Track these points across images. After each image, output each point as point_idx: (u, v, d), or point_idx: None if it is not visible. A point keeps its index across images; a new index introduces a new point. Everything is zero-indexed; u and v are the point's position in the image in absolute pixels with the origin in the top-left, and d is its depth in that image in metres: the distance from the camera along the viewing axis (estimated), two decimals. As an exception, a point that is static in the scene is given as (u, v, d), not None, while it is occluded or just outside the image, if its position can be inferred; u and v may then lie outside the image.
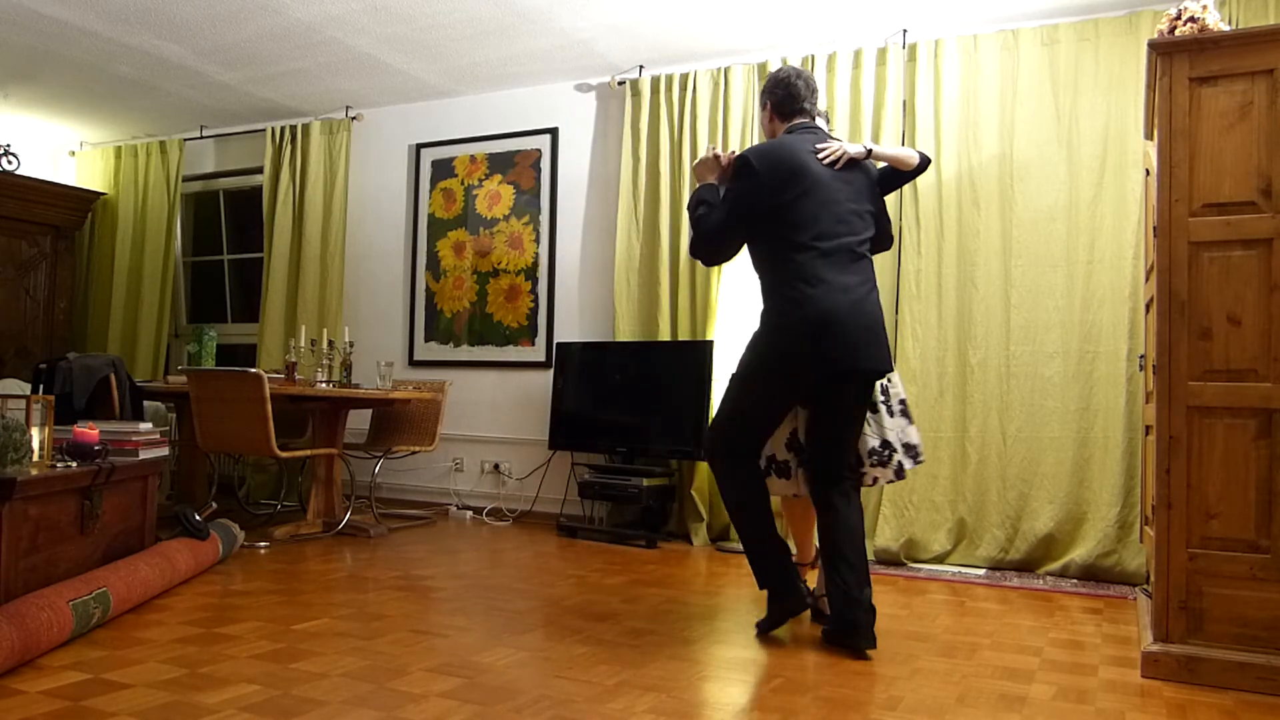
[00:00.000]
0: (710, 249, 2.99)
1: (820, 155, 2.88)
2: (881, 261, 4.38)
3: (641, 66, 5.11)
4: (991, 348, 4.26)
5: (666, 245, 4.94)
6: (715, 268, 4.77)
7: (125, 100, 5.96)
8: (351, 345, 5.06)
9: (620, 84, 5.20)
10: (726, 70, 4.85)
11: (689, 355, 4.71)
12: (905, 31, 4.49)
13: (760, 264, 2.96)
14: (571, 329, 5.35)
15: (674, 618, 3.13)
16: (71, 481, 2.97)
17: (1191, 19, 2.65)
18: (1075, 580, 3.94)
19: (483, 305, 5.64)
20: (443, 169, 5.81)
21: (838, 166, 2.89)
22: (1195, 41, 2.59)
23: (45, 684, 2.26)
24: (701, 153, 4.86)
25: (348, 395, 4.55)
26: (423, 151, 5.88)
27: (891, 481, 3.08)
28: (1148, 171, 3.27)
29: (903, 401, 3.09)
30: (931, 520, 4.27)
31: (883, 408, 3.03)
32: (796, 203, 2.84)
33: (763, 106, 3.10)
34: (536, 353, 5.46)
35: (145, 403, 4.97)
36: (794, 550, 3.28)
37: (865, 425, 2.99)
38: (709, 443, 3.05)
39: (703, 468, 4.70)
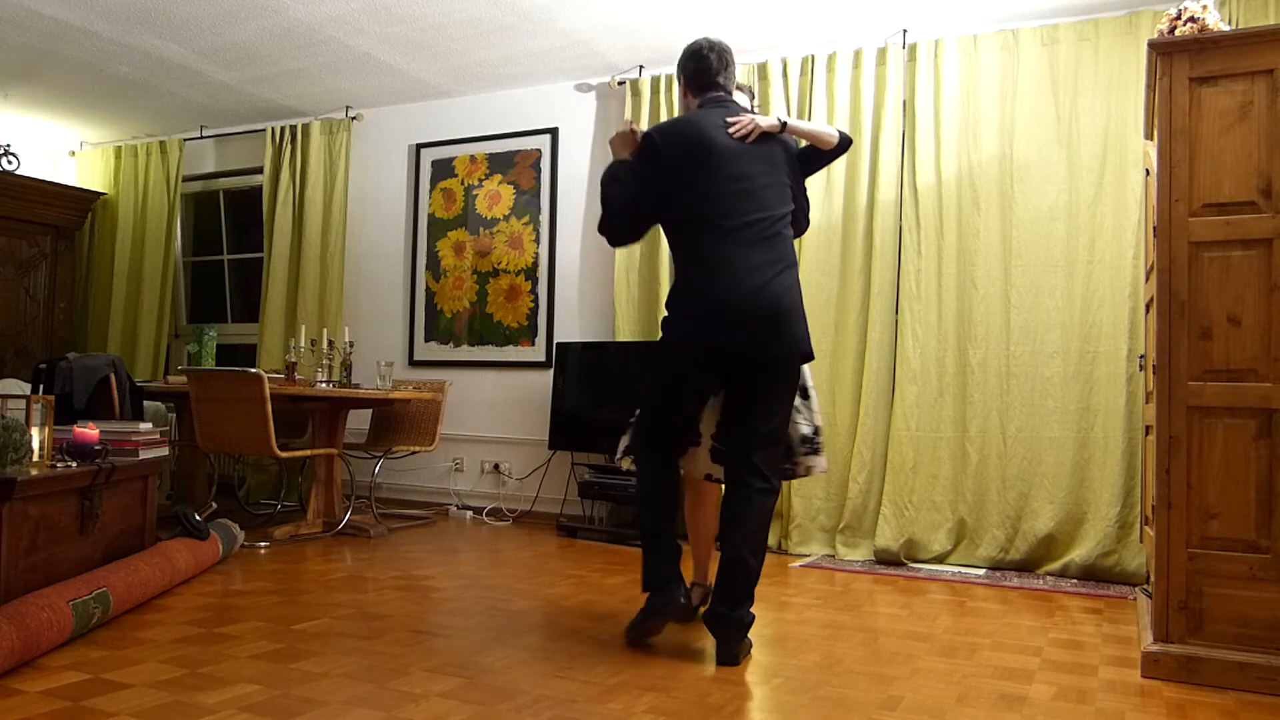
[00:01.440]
0: (613, 228, 2.87)
1: (731, 129, 2.75)
2: (882, 261, 4.43)
3: (641, 66, 5.11)
4: (991, 348, 4.26)
5: (666, 245, 4.93)
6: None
7: (125, 100, 5.96)
8: (351, 345, 5.06)
9: (620, 84, 5.20)
10: (726, 70, 4.84)
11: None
12: (905, 31, 4.49)
13: (671, 244, 2.86)
14: (571, 329, 5.36)
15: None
16: (71, 481, 2.97)
17: (1191, 19, 2.65)
18: (1075, 580, 3.94)
19: (483, 305, 5.64)
20: (443, 169, 5.81)
21: (749, 140, 2.75)
22: (1195, 41, 2.59)
23: (45, 684, 2.26)
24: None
25: (348, 395, 4.54)
26: (423, 151, 5.88)
27: (824, 471, 2.97)
28: (1148, 171, 3.27)
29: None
30: (931, 520, 4.27)
31: (813, 393, 2.92)
32: (701, 180, 2.72)
33: (678, 81, 2.97)
34: (536, 353, 5.46)
35: (145, 403, 4.97)
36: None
37: (796, 412, 2.86)
38: (630, 434, 2.95)
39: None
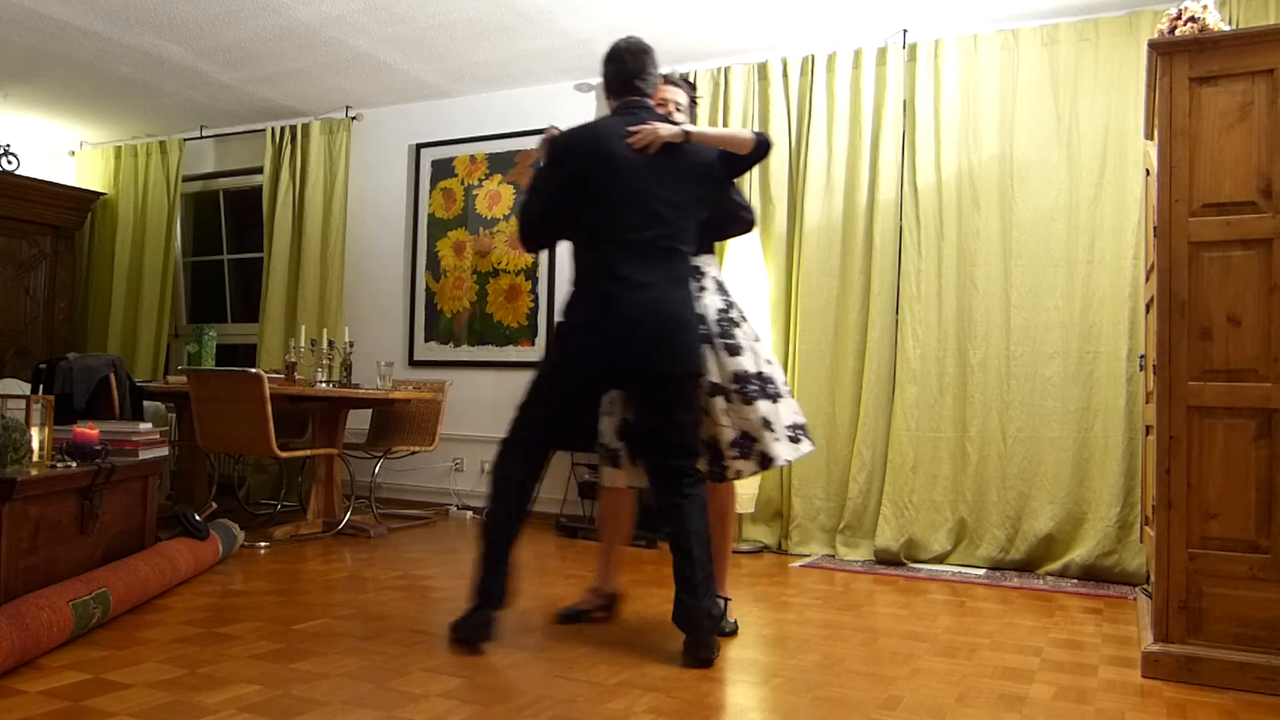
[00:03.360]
0: (523, 236, 2.85)
1: (631, 140, 2.68)
2: (882, 261, 4.43)
3: (692, 76, 5.10)
4: (991, 348, 4.26)
5: (666, 245, 4.93)
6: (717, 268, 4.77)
7: (125, 100, 5.96)
8: (351, 345, 5.05)
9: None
10: (726, 70, 4.85)
11: (689, 355, 4.70)
12: (905, 31, 4.49)
13: (573, 255, 2.81)
14: (571, 329, 5.35)
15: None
16: (71, 481, 2.96)
17: (1191, 19, 2.65)
18: (1075, 580, 3.94)
19: (483, 305, 5.64)
20: (443, 169, 5.81)
21: (649, 151, 2.68)
22: (1195, 41, 2.58)
23: (45, 684, 2.26)
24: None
25: (348, 395, 4.54)
26: (423, 151, 5.88)
27: (756, 472, 2.88)
28: (1148, 171, 3.27)
29: (762, 382, 2.88)
30: (931, 520, 4.27)
31: (736, 397, 2.84)
32: (599, 193, 2.68)
33: (603, 85, 2.90)
34: (536, 353, 5.45)
35: (145, 403, 4.97)
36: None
37: (723, 417, 2.82)
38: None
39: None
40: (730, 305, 2.97)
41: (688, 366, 2.72)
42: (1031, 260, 4.21)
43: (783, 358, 4.65)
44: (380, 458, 5.16)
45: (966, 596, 3.63)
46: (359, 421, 5.40)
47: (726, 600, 2.92)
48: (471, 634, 2.67)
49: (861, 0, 4.27)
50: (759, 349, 2.93)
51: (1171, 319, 2.59)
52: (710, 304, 2.92)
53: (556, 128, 2.88)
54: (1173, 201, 2.59)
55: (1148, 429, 3.22)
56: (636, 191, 2.68)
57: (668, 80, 3.03)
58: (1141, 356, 3.58)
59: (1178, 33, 2.65)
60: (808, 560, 4.34)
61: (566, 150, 2.78)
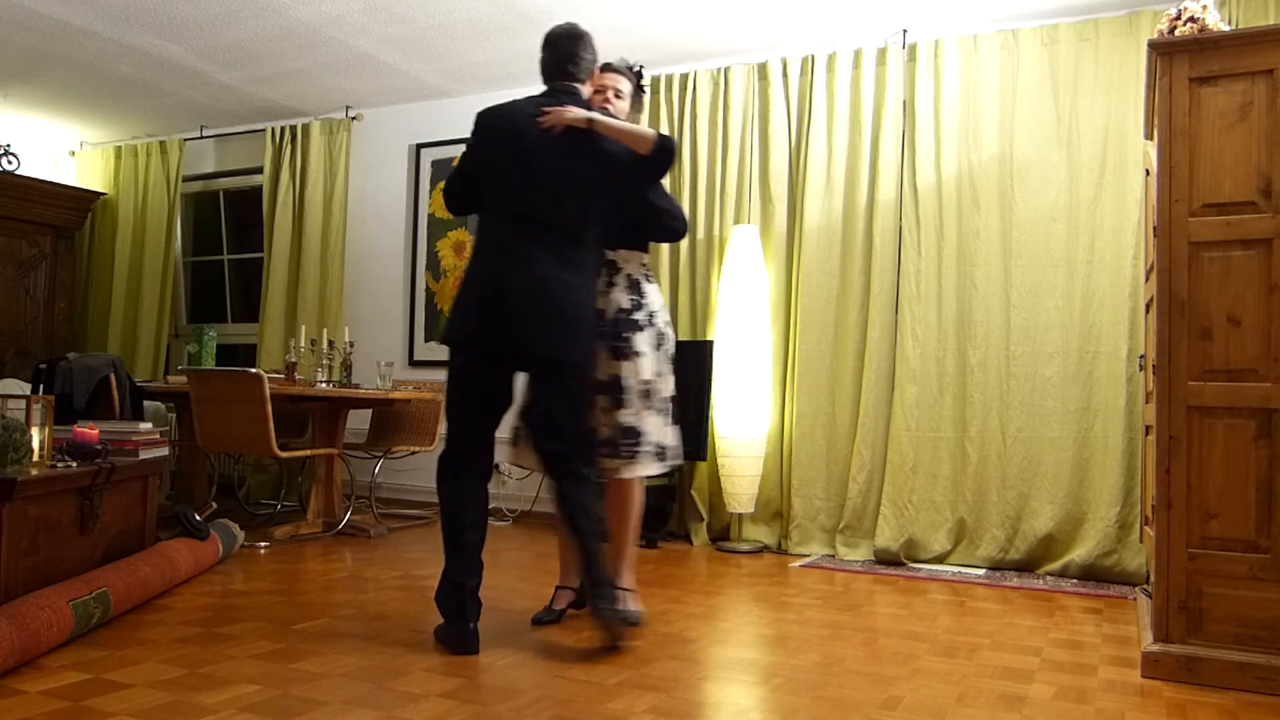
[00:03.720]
0: (445, 198, 2.92)
1: (540, 120, 2.70)
2: (882, 261, 4.43)
3: (642, 66, 5.09)
4: (991, 348, 4.26)
5: (666, 245, 4.93)
6: (716, 266, 4.78)
7: (125, 100, 5.96)
8: (351, 345, 5.05)
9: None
10: (726, 70, 4.85)
11: (689, 355, 4.69)
12: (905, 32, 4.49)
13: (478, 227, 2.84)
14: (571, 329, 5.34)
15: (673, 617, 3.13)
16: (71, 481, 2.97)
17: (1191, 19, 2.65)
18: (1075, 580, 3.94)
19: (483, 305, 5.63)
20: (443, 169, 5.81)
21: (553, 133, 2.69)
22: (1195, 41, 2.59)
23: (45, 684, 2.26)
24: (702, 152, 4.87)
25: (348, 395, 4.54)
26: (423, 151, 5.88)
27: (603, 478, 2.85)
28: (1148, 171, 3.27)
29: (646, 391, 2.88)
30: (931, 520, 4.27)
31: (607, 400, 2.85)
32: (501, 169, 2.72)
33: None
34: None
35: (145, 403, 4.97)
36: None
37: (601, 415, 2.83)
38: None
39: (703, 468, 4.70)
40: (638, 307, 2.92)
41: (563, 352, 2.69)
42: (1031, 260, 4.21)
43: (782, 357, 4.66)
44: (380, 458, 5.16)
45: (966, 596, 3.63)
46: (359, 421, 5.40)
47: (629, 591, 2.95)
48: (465, 646, 2.65)
49: (861, 0, 4.27)
50: (650, 360, 2.90)
51: (1171, 319, 2.59)
52: (614, 301, 2.90)
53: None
54: (1173, 201, 2.60)
55: (1148, 429, 3.22)
56: (533, 170, 2.70)
57: (610, 68, 3.02)
58: (1141, 356, 3.58)
59: (1177, 33, 2.65)
60: (808, 560, 4.34)
61: (482, 123, 2.81)
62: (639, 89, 3.10)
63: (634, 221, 2.91)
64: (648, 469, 2.89)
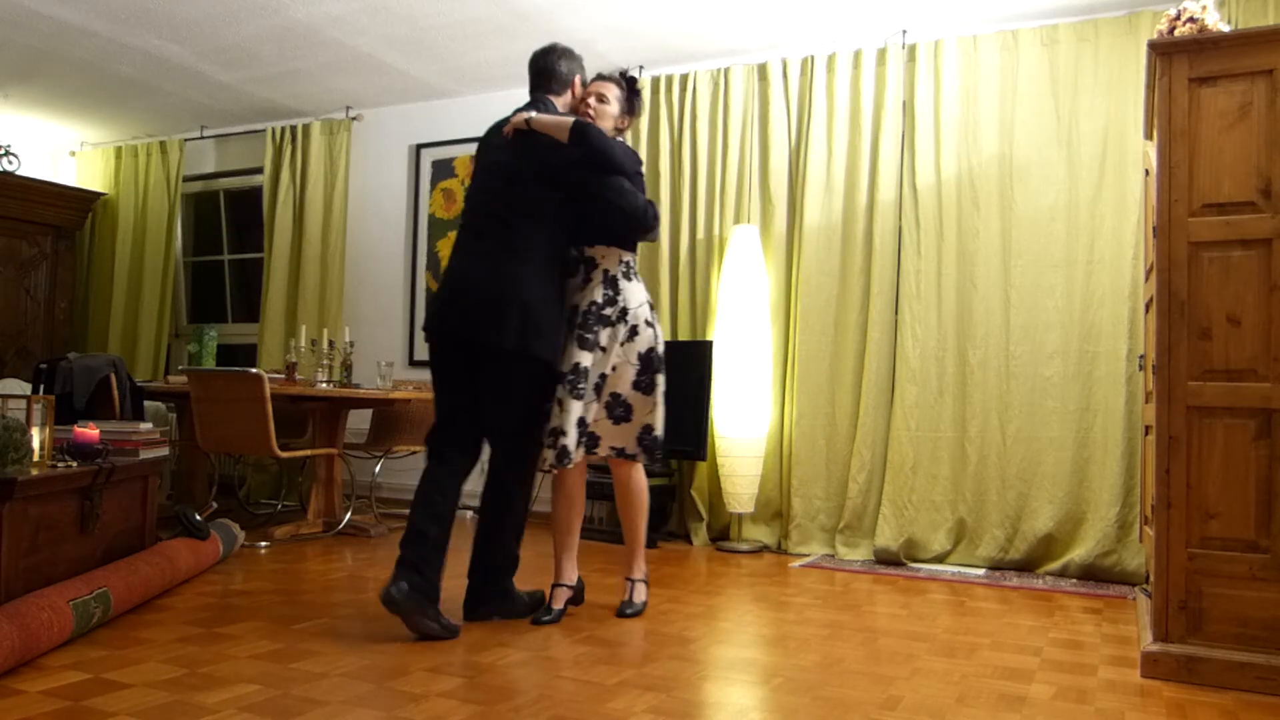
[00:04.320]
0: None
1: (506, 129, 2.95)
2: (882, 261, 4.43)
3: (641, 67, 5.11)
4: (991, 348, 4.26)
5: (666, 245, 4.94)
6: (716, 266, 4.78)
7: (125, 100, 5.96)
8: (351, 345, 5.05)
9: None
10: (726, 71, 4.85)
11: (689, 355, 4.70)
12: (905, 32, 4.49)
13: None
14: (571, 329, 5.35)
15: (674, 617, 3.13)
16: (71, 481, 2.97)
17: (1191, 19, 2.65)
18: (1075, 580, 3.94)
19: (483, 305, 5.63)
20: (443, 169, 5.81)
21: (508, 138, 2.93)
22: (1195, 42, 2.59)
23: (45, 684, 2.26)
24: (702, 152, 4.87)
25: (348, 395, 4.54)
26: (423, 151, 5.88)
27: (555, 467, 2.89)
28: (1148, 171, 3.27)
29: (600, 385, 2.96)
30: (931, 520, 4.27)
31: (565, 389, 2.88)
32: (475, 176, 3.04)
33: None
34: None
35: (145, 403, 4.97)
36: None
37: (556, 403, 2.89)
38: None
39: (703, 468, 4.70)
40: (610, 301, 2.98)
41: (512, 342, 2.79)
42: (1031, 260, 4.21)
43: (782, 358, 4.66)
44: (380, 457, 5.16)
45: (966, 596, 3.63)
46: (359, 421, 5.40)
47: (639, 581, 3.17)
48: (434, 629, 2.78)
49: (861, 1, 4.27)
50: (624, 355, 2.98)
51: (1171, 319, 2.59)
52: (589, 295, 2.98)
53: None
54: (1172, 201, 2.60)
55: (1147, 429, 3.22)
56: (488, 172, 2.99)
57: (601, 76, 3.17)
58: (1141, 356, 3.58)
59: (1177, 33, 2.65)
60: (807, 560, 4.34)
61: (480, 142, 3.13)
62: (633, 94, 3.18)
63: (604, 216, 2.99)
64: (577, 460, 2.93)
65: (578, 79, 3.11)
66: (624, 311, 2.99)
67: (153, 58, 5.20)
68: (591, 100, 3.08)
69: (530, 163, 2.89)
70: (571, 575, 3.12)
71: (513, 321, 2.79)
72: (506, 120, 2.99)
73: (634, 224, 3.01)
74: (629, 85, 3.17)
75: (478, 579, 3.05)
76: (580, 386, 2.89)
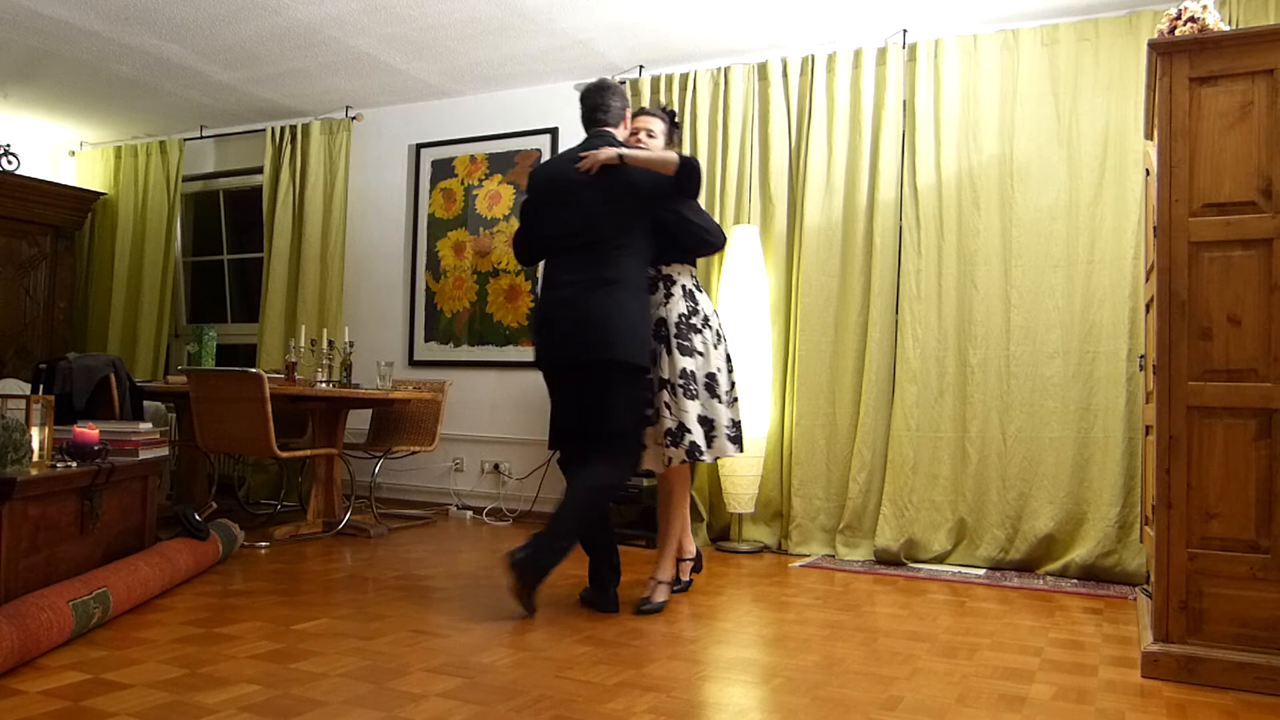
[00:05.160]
0: (516, 254, 3.45)
1: (579, 165, 3.12)
2: (882, 261, 4.43)
3: (641, 66, 5.11)
4: (991, 348, 4.26)
5: (666, 245, 4.93)
6: (716, 267, 4.78)
7: (125, 100, 5.96)
8: (351, 345, 5.05)
9: (621, 84, 5.19)
10: (726, 70, 4.85)
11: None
12: (905, 31, 4.49)
13: None
14: (571, 329, 5.35)
15: (673, 617, 3.13)
16: (71, 481, 2.97)
17: (1191, 19, 2.65)
18: (1075, 580, 3.94)
19: (483, 305, 5.64)
20: (443, 169, 5.81)
21: (591, 173, 3.11)
22: (1195, 41, 2.59)
23: (45, 684, 2.26)
24: (702, 152, 4.87)
25: (348, 395, 4.54)
26: (423, 151, 5.88)
27: (685, 462, 3.20)
28: (1148, 171, 3.27)
29: (710, 384, 3.27)
30: (931, 520, 4.27)
31: (680, 392, 3.19)
32: (551, 210, 3.19)
33: None
34: (536, 353, 5.45)
35: (145, 403, 4.97)
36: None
37: (665, 409, 3.19)
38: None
39: (703, 468, 4.70)
40: (694, 312, 3.32)
41: (601, 354, 3.06)
42: (1031, 260, 4.21)
43: (783, 357, 4.66)
44: (380, 458, 5.16)
45: (966, 596, 3.63)
46: (359, 421, 5.40)
47: (662, 583, 3.32)
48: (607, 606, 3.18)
49: (861, 0, 4.27)
50: (716, 353, 3.32)
51: (1171, 319, 2.59)
52: (674, 309, 3.29)
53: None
54: (1173, 201, 2.60)
55: (1148, 429, 3.22)
56: (579, 205, 3.14)
57: (644, 111, 3.42)
58: (1141, 356, 3.58)
59: (1178, 33, 2.65)
60: (808, 560, 4.34)
61: (531, 181, 3.33)
62: (673, 126, 3.45)
63: (681, 239, 3.28)
64: (726, 451, 3.26)
65: (628, 113, 3.35)
66: (706, 319, 3.34)
67: (153, 58, 5.20)
68: (642, 135, 3.33)
69: (624, 195, 3.12)
70: (690, 549, 3.51)
71: (623, 339, 3.07)
72: (572, 157, 3.18)
73: (712, 244, 3.35)
74: (670, 118, 3.43)
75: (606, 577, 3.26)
76: (692, 388, 3.22)
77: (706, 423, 3.23)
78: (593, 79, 5.32)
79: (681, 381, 3.20)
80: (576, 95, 5.37)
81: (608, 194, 3.11)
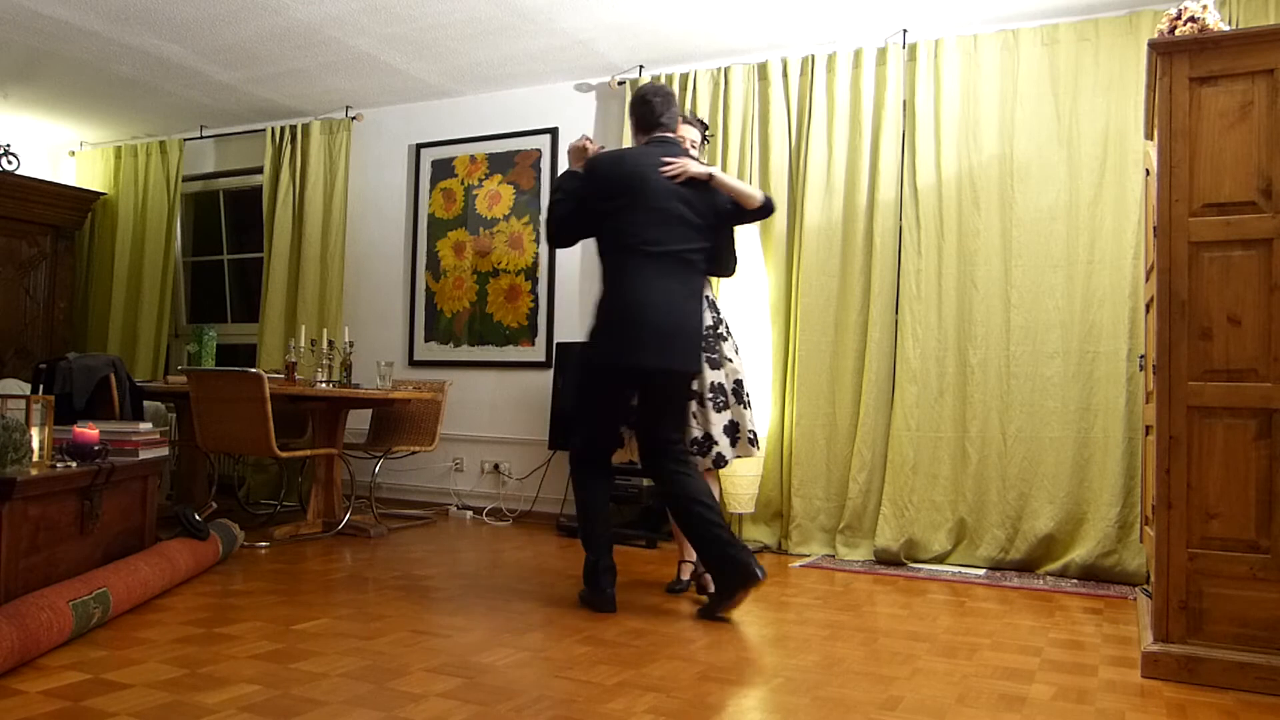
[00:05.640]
0: (551, 234, 3.35)
1: (664, 169, 3.14)
2: (882, 261, 4.43)
3: (641, 66, 5.11)
4: (991, 348, 4.26)
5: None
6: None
7: (125, 100, 5.96)
8: (351, 345, 5.05)
9: (620, 84, 5.20)
10: (726, 70, 4.85)
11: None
12: (905, 31, 4.49)
13: (601, 260, 3.24)
14: (571, 329, 5.35)
15: (673, 617, 3.13)
16: (71, 481, 2.97)
17: (1191, 19, 2.65)
18: (1075, 580, 3.94)
19: (483, 305, 5.64)
20: (443, 169, 5.81)
21: (677, 181, 3.14)
22: (1195, 41, 2.59)
23: (45, 684, 2.26)
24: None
25: (348, 395, 4.54)
26: (423, 151, 5.88)
27: (709, 470, 3.40)
28: (1148, 171, 3.27)
29: (737, 389, 3.45)
30: (931, 520, 4.27)
31: (709, 404, 3.38)
32: (626, 209, 3.13)
33: (630, 121, 3.36)
34: (536, 353, 5.46)
35: (145, 403, 4.97)
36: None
37: (694, 418, 3.37)
38: (578, 447, 3.31)
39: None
40: (719, 322, 3.51)
41: (692, 365, 3.20)
42: (1031, 260, 4.21)
43: (783, 357, 4.66)
44: (380, 458, 5.16)
45: (966, 596, 3.63)
46: (359, 421, 5.40)
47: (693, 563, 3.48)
48: (604, 607, 3.19)
49: (861, 0, 4.27)
50: (739, 359, 3.49)
51: (1171, 319, 2.59)
52: (704, 321, 3.39)
53: (588, 137, 3.35)
54: (1173, 201, 2.59)
55: (1148, 429, 3.22)
56: (665, 211, 3.14)
57: (685, 120, 3.48)
58: (1141, 356, 3.58)
59: (1178, 33, 2.65)
60: (808, 560, 4.34)
61: (598, 169, 3.22)
62: (704, 139, 3.62)
63: (711, 256, 3.33)
64: (750, 451, 3.44)
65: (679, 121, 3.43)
66: (728, 327, 3.54)
67: (153, 58, 5.20)
68: (689, 145, 3.44)
69: (709, 214, 3.21)
70: (693, 554, 3.53)
71: (695, 350, 3.21)
72: (649, 158, 3.17)
73: (734, 271, 3.47)
74: (703, 129, 3.61)
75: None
76: (720, 399, 3.41)
77: (732, 428, 3.41)
78: (592, 79, 5.39)
79: (711, 395, 3.38)
80: (577, 95, 5.43)
81: (694, 209, 3.17)
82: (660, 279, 3.10)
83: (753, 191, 3.27)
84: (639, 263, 3.11)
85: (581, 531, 3.30)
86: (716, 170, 3.23)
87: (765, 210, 3.27)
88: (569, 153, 3.37)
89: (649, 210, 3.12)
